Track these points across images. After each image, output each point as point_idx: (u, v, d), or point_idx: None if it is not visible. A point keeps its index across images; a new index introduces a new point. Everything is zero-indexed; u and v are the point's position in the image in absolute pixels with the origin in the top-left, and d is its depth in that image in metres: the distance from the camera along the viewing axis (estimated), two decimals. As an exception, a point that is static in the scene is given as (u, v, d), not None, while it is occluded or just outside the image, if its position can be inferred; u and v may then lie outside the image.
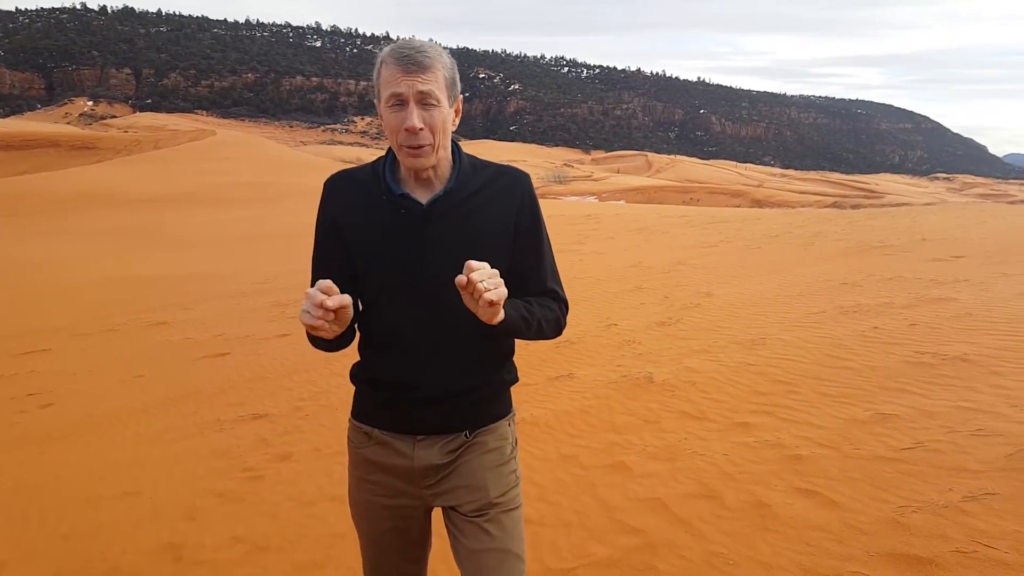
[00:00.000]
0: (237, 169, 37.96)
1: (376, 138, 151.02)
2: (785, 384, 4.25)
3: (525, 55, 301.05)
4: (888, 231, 12.19)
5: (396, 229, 1.49)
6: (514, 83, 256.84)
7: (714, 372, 4.66)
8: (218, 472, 4.06)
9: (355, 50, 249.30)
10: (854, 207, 27.80)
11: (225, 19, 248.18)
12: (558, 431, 4.08)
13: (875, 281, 7.36)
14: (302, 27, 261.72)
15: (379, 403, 1.58)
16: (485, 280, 1.27)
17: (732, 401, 4.12)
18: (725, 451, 3.44)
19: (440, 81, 1.41)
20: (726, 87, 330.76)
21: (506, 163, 1.65)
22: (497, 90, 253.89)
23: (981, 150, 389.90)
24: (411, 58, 1.37)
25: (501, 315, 1.34)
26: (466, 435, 1.57)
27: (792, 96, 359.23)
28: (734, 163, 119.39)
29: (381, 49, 1.44)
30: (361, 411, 1.63)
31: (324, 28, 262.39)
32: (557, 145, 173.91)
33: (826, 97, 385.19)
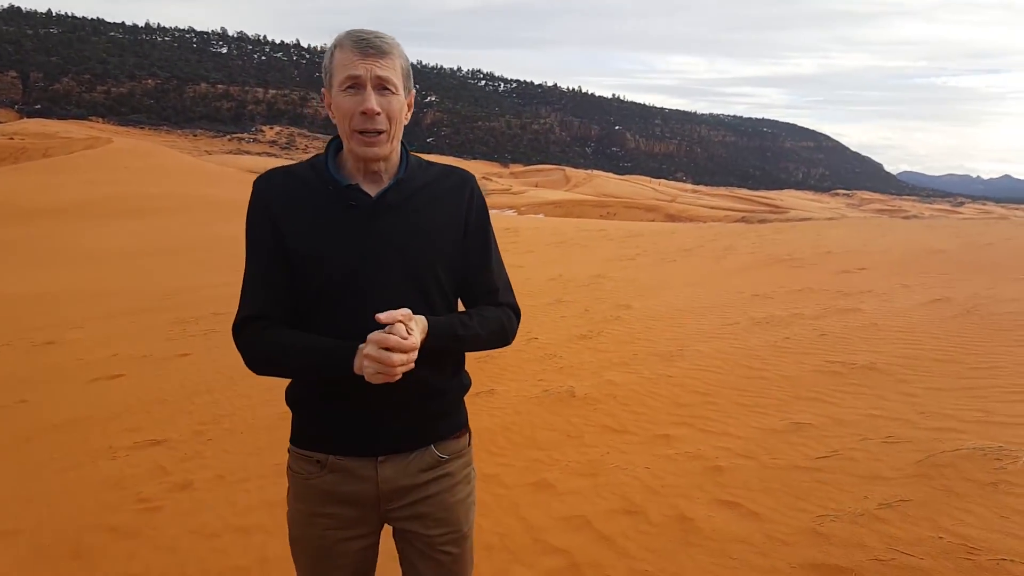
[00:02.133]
0: (136, 179, 36.11)
1: (286, 148, 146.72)
2: (703, 395, 4.29)
3: (441, 67, 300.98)
4: (795, 245, 12.80)
5: (344, 223, 1.39)
6: (431, 95, 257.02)
7: (634, 384, 4.66)
8: (110, 505, 3.74)
9: (263, 57, 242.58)
10: (761, 222, 29.22)
11: (123, 22, 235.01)
12: (480, 450, 3.96)
13: (785, 293, 7.65)
14: (207, 32, 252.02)
15: (333, 422, 1.44)
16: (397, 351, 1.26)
17: (652, 413, 4.12)
18: (647, 464, 3.41)
19: (397, 69, 1.36)
20: (640, 104, 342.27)
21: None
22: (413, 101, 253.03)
23: (877, 168, 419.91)
24: (370, 42, 1.33)
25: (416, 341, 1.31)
26: (435, 451, 1.49)
27: (702, 114, 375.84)
28: (649, 178, 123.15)
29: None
30: (309, 436, 1.48)
31: (230, 34, 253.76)
32: (475, 158, 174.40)
33: (734, 116, 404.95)
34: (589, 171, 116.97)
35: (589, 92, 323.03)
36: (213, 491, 3.78)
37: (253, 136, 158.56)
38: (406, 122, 1.42)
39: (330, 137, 1.49)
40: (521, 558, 2.78)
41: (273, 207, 1.41)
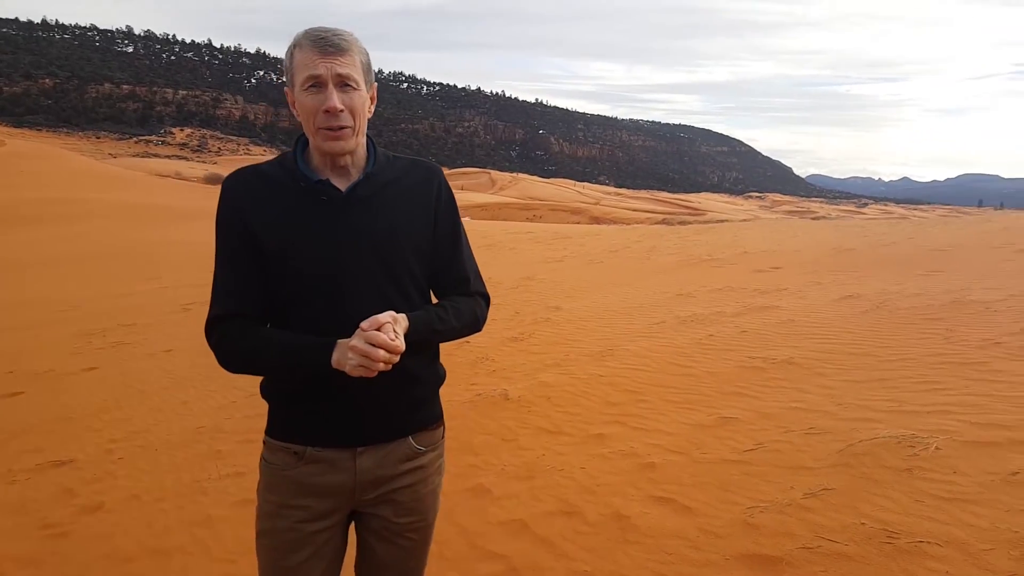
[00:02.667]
0: (34, 184, 33.87)
1: (198, 150, 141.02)
2: (634, 393, 4.36)
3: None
4: (714, 245, 13.27)
5: (316, 218, 1.41)
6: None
7: (567, 385, 4.69)
8: (10, 532, 3.47)
9: (172, 57, 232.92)
10: (681, 223, 30.20)
11: (17, 18, 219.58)
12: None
13: (707, 292, 7.90)
14: (111, 31, 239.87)
15: (312, 414, 1.45)
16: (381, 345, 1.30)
17: (586, 413, 4.16)
18: (582, 464, 3.43)
19: (357, 64, 1.39)
20: (563, 109, 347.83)
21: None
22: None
23: (787, 171, 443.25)
24: (328, 40, 1.35)
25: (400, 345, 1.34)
26: (412, 442, 1.52)
27: (623, 120, 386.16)
28: (573, 182, 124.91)
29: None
30: (287, 428, 1.48)
31: (137, 33, 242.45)
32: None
33: (652, 122, 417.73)
34: (514, 174, 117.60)
35: (513, 96, 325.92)
36: (127, 513, 3.55)
37: (162, 138, 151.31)
38: (370, 115, 1.46)
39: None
40: (458, 566, 2.74)
41: (244, 206, 1.42)
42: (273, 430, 1.50)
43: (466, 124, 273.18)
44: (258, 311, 1.43)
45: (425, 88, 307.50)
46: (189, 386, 5.87)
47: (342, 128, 1.38)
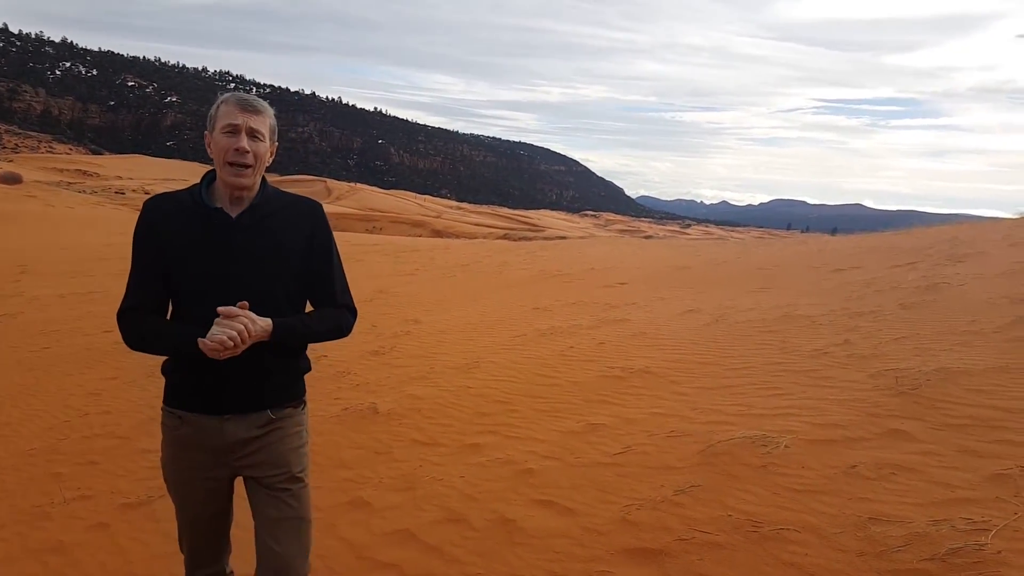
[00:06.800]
0: None
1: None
2: (504, 403, 4.49)
3: (183, 66, 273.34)
4: (561, 261, 13.86)
5: (208, 238, 1.81)
6: (171, 95, 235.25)
7: (437, 397, 4.73)
8: None
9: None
10: (522, 239, 31.22)
11: None
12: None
13: (562, 305, 8.27)
14: None
15: (191, 390, 1.86)
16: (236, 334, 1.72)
17: (459, 424, 4.22)
18: (461, 473, 3.49)
19: (266, 125, 1.84)
20: (403, 120, 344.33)
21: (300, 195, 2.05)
22: (150, 101, 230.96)
23: (619, 191, 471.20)
24: (249, 102, 1.81)
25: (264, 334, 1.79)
26: (269, 413, 1.90)
27: (464, 134, 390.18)
28: (414, 194, 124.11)
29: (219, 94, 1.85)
30: (174, 398, 1.90)
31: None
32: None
33: (493, 137, 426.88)
34: (352, 184, 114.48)
35: (350, 103, 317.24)
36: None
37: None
38: (268, 164, 1.87)
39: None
40: (348, 579, 2.70)
41: (157, 226, 1.83)
42: (166, 399, 1.91)
43: (299, 130, 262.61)
44: (157, 306, 1.85)
45: (254, 90, 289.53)
46: (10, 406, 5.21)
47: (245, 166, 1.79)
